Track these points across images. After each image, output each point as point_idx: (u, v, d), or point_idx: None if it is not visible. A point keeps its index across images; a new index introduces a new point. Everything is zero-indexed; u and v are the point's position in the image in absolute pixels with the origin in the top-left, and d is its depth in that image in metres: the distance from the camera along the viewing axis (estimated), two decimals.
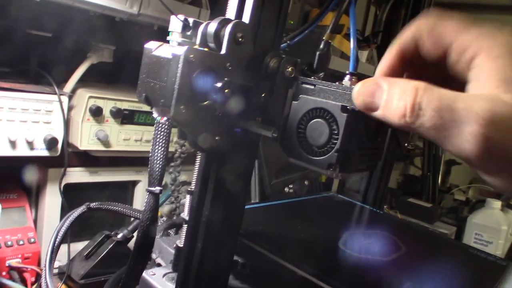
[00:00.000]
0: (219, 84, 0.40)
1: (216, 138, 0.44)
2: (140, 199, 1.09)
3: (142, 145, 0.99)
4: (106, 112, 0.91)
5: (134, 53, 0.99)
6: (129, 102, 0.94)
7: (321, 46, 0.53)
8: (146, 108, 0.98)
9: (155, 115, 0.46)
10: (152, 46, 0.43)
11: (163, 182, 1.09)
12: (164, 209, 1.13)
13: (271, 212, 0.72)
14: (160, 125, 0.49)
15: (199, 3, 0.83)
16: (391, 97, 0.33)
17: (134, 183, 1.09)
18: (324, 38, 0.53)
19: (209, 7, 0.85)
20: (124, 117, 0.94)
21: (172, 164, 1.04)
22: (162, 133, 0.49)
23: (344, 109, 0.40)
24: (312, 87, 0.43)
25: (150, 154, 0.49)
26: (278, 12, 0.47)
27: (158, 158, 0.49)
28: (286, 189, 1.19)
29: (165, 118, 0.47)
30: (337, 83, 0.43)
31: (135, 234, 0.98)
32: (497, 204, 1.49)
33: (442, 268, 0.59)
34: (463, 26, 0.33)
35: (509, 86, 0.30)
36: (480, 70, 0.32)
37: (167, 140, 0.50)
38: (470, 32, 0.33)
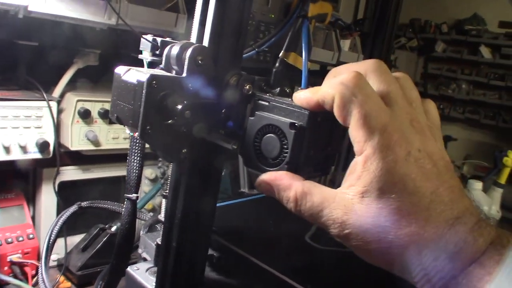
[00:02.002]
0: (179, 107, 0.45)
1: (183, 151, 0.49)
2: None
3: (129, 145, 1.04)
4: (95, 114, 0.96)
5: (119, 55, 1.04)
6: None
7: (277, 64, 0.57)
8: None
9: (127, 131, 0.51)
10: (121, 71, 0.48)
11: (154, 176, 1.15)
12: (156, 200, 1.19)
13: (245, 208, 0.77)
14: (134, 139, 0.54)
15: (176, 8, 0.87)
16: (281, 201, 0.43)
17: (124, 178, 1.14)
18: (279, 56, 0.57)
19: (186, 12, 0.89)
20: None
21: (160, 158, 1.09)
22: (136, 146, 0.54)
23: (292, 126, 0.44)
24: (267, 103, 0.48)
25: (126, 165, 0.54)
26: (238, 35, 0.52)
27: (134, 168, 0.55)
28: None
29: (137, 133, 0.53)
30: (289, 99, 0.47)
31: None
32: (478, 185, 1.54)
33: None
34: (361, 123, 0.38)
35: (364, 198, 0.37)
36: (355, 169, 0.38)
37: (142, 151, 0.55)
38: (362, 132, 0.38)
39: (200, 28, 0.50)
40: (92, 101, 0.95)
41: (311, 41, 0.54)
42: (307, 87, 0.50)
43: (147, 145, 0.58)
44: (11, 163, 0.90)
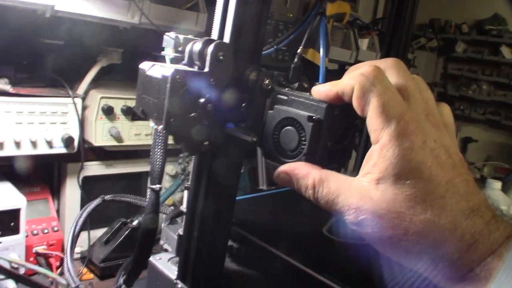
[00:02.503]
0: (201, 100, 0.47)
1: (205, 143, 0.51)
2: None
3: (152, 139, 1.07)
4: (117, 110, 0.99)
5: (141, 54, 1.07)
6: None
7: (295, 59, 0.59)
8: None
9: (151, 124, 0.53)
10: (146, 67, 0.50)
11: (174, 172, 1.18)
12: (176, 196, 1.21)
13: (264, 202, 0.79)
14: (158, 132, 0.56)
15: (196, 7, 0.89)
16: (300, 190, 0.44)
17: (147, 174, 1.17)
18: (298, 52, 0.59)
19: (206, 10, 0.91)
20: (135, 114, 1.02)
21: (181, 155, 1.12)
22: (160, 139, 0.56)
23: (310, 118, 0.46)
24: (286, 97, 0.50)
25: (150, 156, 0.56)
26: (257, 32, 0.53)
27: (158, 160, 0.57)
28: None
29: (161, 126, 0.55)
30: (307, 93, 0.49)
31: None
32: (498, 184, 1.53)
33: None
34: (379, 111, 0.39)
35: (380, 185, 0.38)
36: (371, 157, 0.39)
37: (165, 144, 0.57)
38: (379, 120, 0.39)
39: (221, 25, 0.52)
40: (115, 98, 0.98)
41: (329, 38, 0.55)
42: (324, 83, 0.52)
43: (169, 139, 0.60)
44: (38, 157, 0.93)
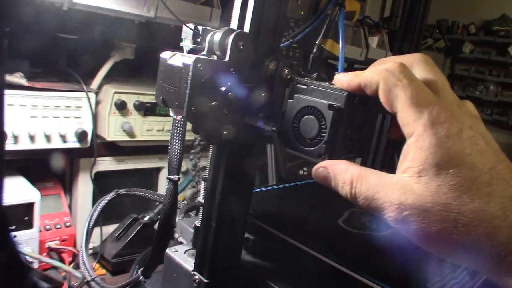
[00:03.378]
0: (223, 89, 0.47)
1: (224, 132, 0.51)
2: (164, 184, 1.17)
3: (164, 135, 1.08)
4: (130, 106, 0.99)
5: (154, 50, 1.07)
6: (151, 96, 1.02)
7: (314, 50, 0.59)
8: None
9: (171, 114, 0.53)
10: (167, 56, 0.50)
11: (185, 168, 1.18)
12: (187, 192, 1.22)
13: (280, 194, 0.79)
14: (177, 122, 0.56)
15: (211, 3, 0.90)
16: (336, 186, 0.43)
17: (158, 170, 1.18)
18: (317, 43, 0.59)
19: (220, 6, 0.91)
20: (147, 110, 1.02)
21: (193, 151, 1.12)
22: (178, 129, 0.56)
23: (331, 107, 0.46)
24: (305, 87, 0.50)
25: (168, 147, 0.56)
26: (276, 22, 0.53)
27: (176, 150, 0.57)
28: (301, 172, 1.26)
29: (180, 116, 0.55)
30: (327, 83, 0.49)
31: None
32: None
33: None
34: (409, 103, 0.38)
35: (422, 178, 0.37)
36: (408, 152, 0.38)
37: (183, 134, 0.57)
38: (410, 112, 0.38)
39: (241, 15, 0.52)
40: (128, 93, 0.98)
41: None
42: (343, 71, 0.52)
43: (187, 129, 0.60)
44: (51, 151, 0.93)
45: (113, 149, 1.05)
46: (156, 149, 1.12)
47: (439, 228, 0.36)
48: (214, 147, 0.57)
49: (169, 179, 0.55)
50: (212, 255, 0.58)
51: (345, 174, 0.43)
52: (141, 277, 0.56)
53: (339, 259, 0.57)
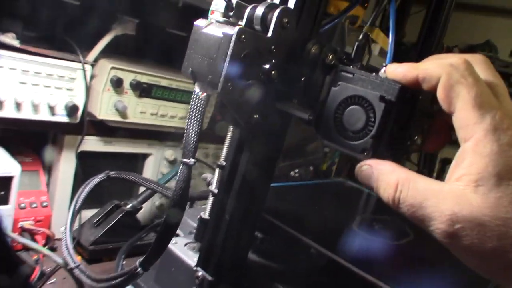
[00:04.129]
0: (267, 66, 0.42)
1: (255, 116, 0.46)
2: (149, 172, 1.11)
3: (157, 119, 1.01)
4: (126, 84, 0.93)
5: (155, 28, 1.01)
6: (148, 76, 0.96)
7: (360, 37, 0.55)
8: (164, 83, 1.00)
9: (196, 89, 0.48)
10: (202, 24, 0.45)
11: (173, 158, 1.12)
12: (172, 184, 1.15)
13: (288, 192, 0.75)
14: (197, 99, 0.51)
15: None
16: (378, 187, 0.39)
17: (145, 156, 1.11)
18: (364, 30, 0.55)
19: None
20: (143, 90, 0.96)
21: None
22: (198, 107, 0.51)
23: (382, 98, 0.42)
24: (351, 75, 0.45)
25: (185, 128, 0.51)
26: (319, 3, 0.49)
27: (193, 132, 0.51)
28: (292, 173, 1.22)
29: (205, 94, 0.49)
30: (373, 74, 0.45)
31: (144, 205, 1.00)
32: None
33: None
34: (472, 104, 0.35)
35: (479, 187, 0.33)
36: (463, 157, 0.35)
37: (203, 114, 0.52)
38: (472, 114, 0.35)
39: None
40: (126, 71, 0.92)
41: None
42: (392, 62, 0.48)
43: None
44: (35, 124, 0.86)
45: (102, 128, 0.98)
46: (146, 133, 1.06)
47: (495, 245, 0.33)
48: (237, 131, 0.52)
49: (184, 163, 0.49)
50: (221, 252, 0.53)
51: (390, 175, 0.39)
52: (139, 269, 0.51)
53: (351, 262, 0.53)
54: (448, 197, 0.34)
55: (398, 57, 0.50)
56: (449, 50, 4.03)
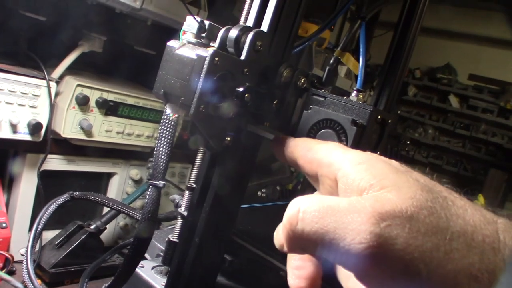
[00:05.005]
0: (240, 89, 0.42)
1: (227, 138, 0.46)
2: (114, 192, 1.08)
3: (123, 138, 0.99)
4: (92, 102, 0.91)
5: (123, 46, 0.99)
6: (115, 94, 0.94)
7: (331, 61, 0.55)
8: (131, 101, 0.98)
9: (168, 111, 0.47)
10: (175, 45, 0.44)
11: (139, 177, 1.10)
12: (137, 203, 1.13)
13: (255, 213, 0.74)
14: (168, 121, 0.50)
15: (198, 4, 0.85)
16: None
17: (109, 175, 1.08)
18: (334, 55, 0.55)
19: (207, 9, 0.86)
20: (109, 109, 0.94)
21: (151, 159, 1.04)
22: (169, 129, 0.50)
23: (354, 122, 0.42)
24: (323, 99, 0.46)
25: (155, 148, 0.50)
26: (293, 23, 0.49)
27: (163, 153, 0.51)
28: (259, 193, 1.21)
29: (176, 116, 0.49)
30: (344, 97, 0.46)
31: (108, 226, 0.97)
32: None
33: None
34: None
35: (384, 186, 0.29)
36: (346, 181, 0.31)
37: (173, 136, 0.51)
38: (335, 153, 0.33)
39: (259, 12, 0.48)
40: (92, 88, 0.90)
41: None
42: (362, 86, 0.49)
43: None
44: None
45: (65, 147, 0.96)
46: (112, 152, 1.03)
47: (434, 243, 0.27)
48: (207, 154, 0.51)
49: (153, 185, 0.48)
50: (189, 275, 0.51)
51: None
52: None
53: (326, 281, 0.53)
54: (363, 201, 0.28)
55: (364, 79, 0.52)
56: (411, 72, 4.16)
